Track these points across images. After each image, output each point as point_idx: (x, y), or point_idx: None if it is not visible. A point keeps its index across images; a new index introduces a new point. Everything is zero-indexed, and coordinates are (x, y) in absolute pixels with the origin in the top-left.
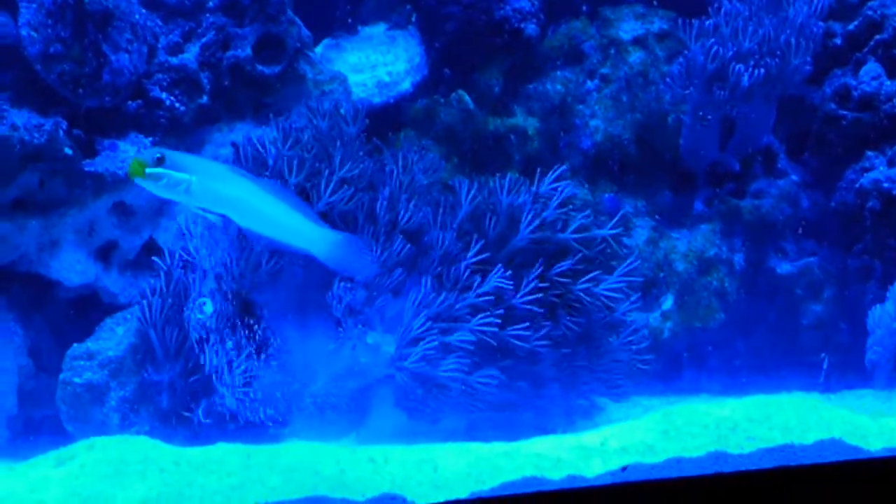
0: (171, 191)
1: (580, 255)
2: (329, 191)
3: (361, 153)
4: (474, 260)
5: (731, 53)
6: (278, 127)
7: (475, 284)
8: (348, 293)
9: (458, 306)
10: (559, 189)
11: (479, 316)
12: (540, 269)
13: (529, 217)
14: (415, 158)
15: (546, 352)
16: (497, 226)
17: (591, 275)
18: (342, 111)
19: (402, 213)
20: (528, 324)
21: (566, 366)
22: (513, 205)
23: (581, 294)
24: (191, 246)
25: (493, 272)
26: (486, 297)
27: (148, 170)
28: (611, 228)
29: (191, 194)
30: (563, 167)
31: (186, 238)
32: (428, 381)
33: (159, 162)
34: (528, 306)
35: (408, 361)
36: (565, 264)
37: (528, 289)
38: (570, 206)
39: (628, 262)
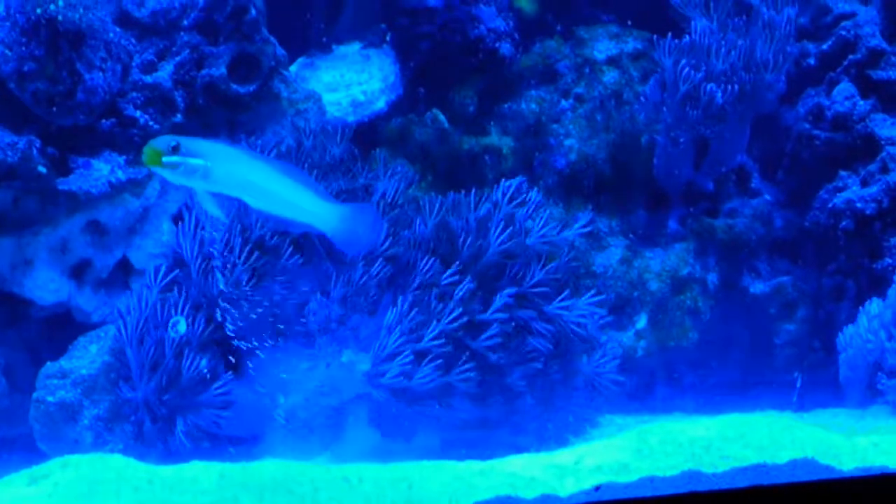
0: (187, 177)
1: (551, 265)
2: None
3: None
4: (449, 281)
5: (702, 74)
6: (254, 145)
7: (448, 309)
8: (322, 310)
9: (432, 328)
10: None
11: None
12: (513, 286)
13: (498, 230)
14: (391, 178)
15: (518, 367)
16: (468, 241)
17: (563, 296)
18: (329, 128)
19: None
20: (497, 330)
21: (539, 382)
22: (479, 219)
23: (555, 311)
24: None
25: (462, 288)
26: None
27: (164, 158)
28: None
29: (207, 180)
30: (521, 179)
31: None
32: (406, 395)
33: (174, 150)
34: (500, 319)
35: (385, 377)
36: (538, 275)
37: (499, 305)
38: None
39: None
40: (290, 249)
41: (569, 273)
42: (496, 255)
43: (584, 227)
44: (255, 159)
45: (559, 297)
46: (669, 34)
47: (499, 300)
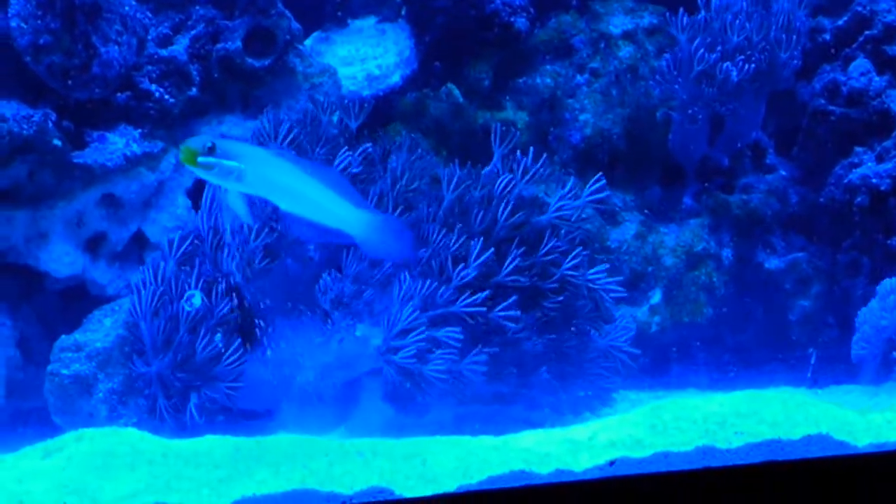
0: (222, 178)
1: (562, 231)
2: None
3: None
4: (456, 248)
5: (717, 54)
6: (270, 119)
7: (459, 269)
8: (336, 285)
9: (444, 292)
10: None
11: (464, 297)
12: (523, 249)
13: (504, 203)
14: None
15: (533, 338)
16: (481, 215)
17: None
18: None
19: (393, 207)
20: (515, 297)
21: (553, 355)
22: (490, 193)
23: (566, 273)
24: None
25: (473, 249)
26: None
27: (200, 158)
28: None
29: (241, 181)
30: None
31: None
32: (415, 376)
33: (210, 151)
34: (514, 281)
35: (397, 356)
36: (550, 243)
37: (511, 267)
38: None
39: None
40: None
41: (582, 239)
42: (507, 228)
43: (596, 193)
44: (289, 162)
45: (569, 259)
46: (681, 10)
47: (510, 260)
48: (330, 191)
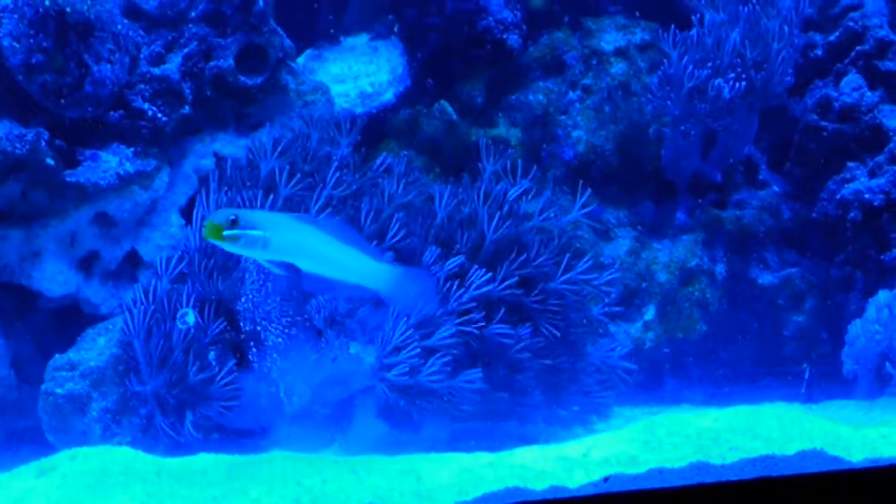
0: (249, 249)
1: (551, 244)
2: (319, 205)
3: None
4: (452, 266)
5: (708, 70)
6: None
7: (454, 289)
8: (330, 304)
9: (439, 313)
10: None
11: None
12: (513, 259)
13: (494, 220)
14: (400, 170)
15: (527, 358)
16: (469, 233)
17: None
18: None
19: (387, 224)
20: (506, 317)
21: (548, 374)
22: (476, 211)
23: (558, 287)
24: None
25: (471, 274)
26: (468, 304)
27: (225, 232)
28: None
29: (266, 249)
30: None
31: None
32: (410, 391)
33: (233, 224)
34: (508, 294)
35: (390, 373)
36: (541, 257)
37: (505, 283)
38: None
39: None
40: None
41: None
42: (496, 243)
43: (585, 207)
44: (310, 224)
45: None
46: (673, 27)
47: (503, 271)
48: (352, 248)
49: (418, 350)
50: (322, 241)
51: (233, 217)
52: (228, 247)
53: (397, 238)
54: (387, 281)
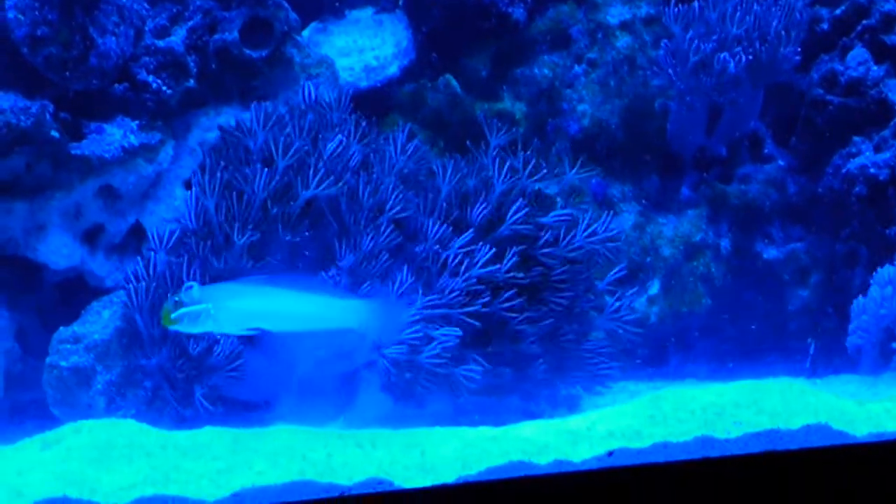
0: (196, 325)
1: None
2: (317, 178)
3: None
4: (461, 244)
5: (713, 44)
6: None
7: (462, 268)
8: (334, 279)
9: (446, 293)
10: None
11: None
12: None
13: (515, 208)
14: (402, 142)
15: (532, 331)
16: (484, 211)
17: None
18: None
19: (388, 198)
20: (514, 292)
21: (552, 346)
22: (503, 193)
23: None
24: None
25: (479, 253)
26: (474, 283)
27: (172, 316)
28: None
29: (218, 321)
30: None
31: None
32: (411, 368)
33: (177, 304)
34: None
35: (389, 349)
36: (547, 235)
37: (510, 263)
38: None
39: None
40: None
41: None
42: (511, 227)
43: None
44: (263, 285)
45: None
46: (673, 1)
47: (509, 256)
48: (317, 295)
49: (421, 333)
50: (281, 299)
51: (176, 299)
52: (182, 329)
53: (395, 210)
54: (362, 316)
